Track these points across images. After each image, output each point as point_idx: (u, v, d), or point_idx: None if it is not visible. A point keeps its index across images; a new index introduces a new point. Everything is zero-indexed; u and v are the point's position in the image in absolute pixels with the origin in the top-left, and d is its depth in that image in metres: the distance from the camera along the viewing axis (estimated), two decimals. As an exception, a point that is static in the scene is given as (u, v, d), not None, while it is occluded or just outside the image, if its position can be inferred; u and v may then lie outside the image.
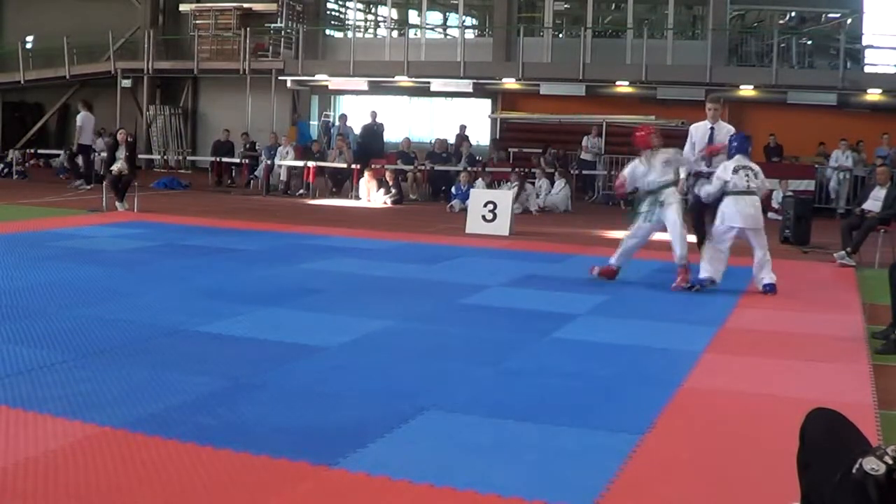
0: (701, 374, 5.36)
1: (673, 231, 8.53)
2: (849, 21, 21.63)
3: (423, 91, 21.78)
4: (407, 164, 18.64)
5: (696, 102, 19.99)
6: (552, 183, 17.26)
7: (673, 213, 8.53)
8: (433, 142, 20.03)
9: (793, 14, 23.01)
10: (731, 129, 9.19)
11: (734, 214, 8.30)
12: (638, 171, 8.75)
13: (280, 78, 22.62)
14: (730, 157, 8.59)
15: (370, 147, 19.37)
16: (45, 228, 11.29)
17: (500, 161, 19.68)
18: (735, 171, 8.38)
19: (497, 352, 5.76)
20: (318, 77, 22.71)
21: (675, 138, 19.89)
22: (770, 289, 8.32)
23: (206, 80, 25.19)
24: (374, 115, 20.15)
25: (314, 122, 24.11)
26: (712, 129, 9.23)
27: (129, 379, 4.78)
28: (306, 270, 8.86)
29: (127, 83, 24.36)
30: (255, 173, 19.86)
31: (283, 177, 19.15)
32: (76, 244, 9.97)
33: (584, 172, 19.14)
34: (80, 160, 18.51)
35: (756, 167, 8.57)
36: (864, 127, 18.67)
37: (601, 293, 8.01)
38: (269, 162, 19.17)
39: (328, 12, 25.19)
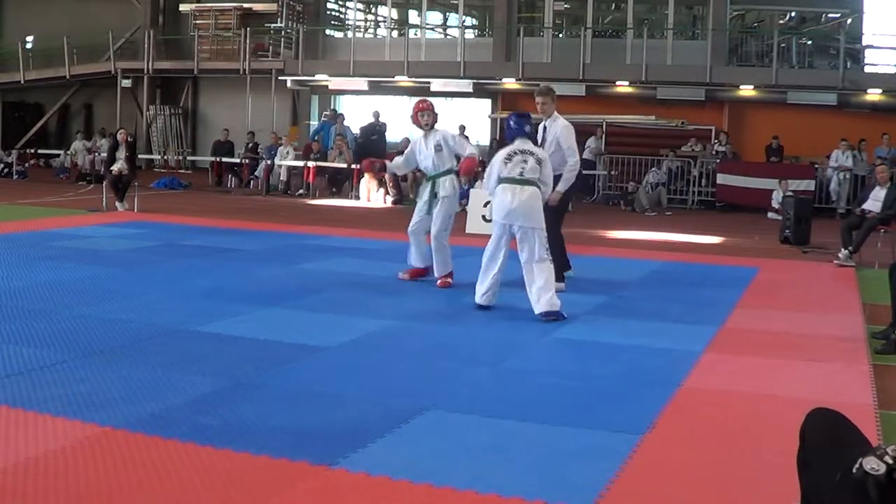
0: (701, 374, 5.35)
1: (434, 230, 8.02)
2: (849, 21, 21.63)
3: (423, 91, 21.71)
4: (407, 164, 18.60)
5: (696, 102, 20.09)
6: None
7: (442, 212, 8.01)
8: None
9: (793, 14, 23.01)
10: (563, 125, 8.08)
11: (499, 207, 6.88)
12: (416, 148, 8.29)
13: (280, 78, 22.63)
14: (509, 140, 7.23)
15: (372, 147, 19.31)
16: (45, 228, 11.29)
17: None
18: (509, 157, 6.91)
19: (497, 352, 5.76)
20: (318, 77, 22.72)
21: (675, 138, 20.13)
22: (549, 317, 6.69)
23: (206, 80, 25.20)
24: (376, 115, 20.07)
25: (314, 122, 24.10)
26: (545, 126, 8.16)
27: (129, 379, 4.78)
28: (306, 270, 8.85)
29: (127, 83, 24.37)
30: (255, 173, 19.87)
31: (283, 177, 19.16)
32: (76, 244, 9.97)
33: (585, 172, 19.11)
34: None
35: (541, 153, 7.07)
36: (864, 127, 18.67)
37: (601, 293, 8.01)
38: (269, 162, 19.18)
39: (328, 12, 25.19)
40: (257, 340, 5.80)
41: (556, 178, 8.01)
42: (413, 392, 4.77)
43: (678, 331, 6.54)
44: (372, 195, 17.29)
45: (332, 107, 23.84)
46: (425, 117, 8.24)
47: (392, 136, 20.92)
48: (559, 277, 8.11)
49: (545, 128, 8.18)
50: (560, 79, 20.52)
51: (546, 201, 7.45)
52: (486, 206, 12.52)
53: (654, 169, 18.42)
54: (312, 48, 23.47)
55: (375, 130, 19.91)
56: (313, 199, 17.64)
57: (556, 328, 6.48)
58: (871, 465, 2.31)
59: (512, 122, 7.20)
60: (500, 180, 6.87)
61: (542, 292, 6.73)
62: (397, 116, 22.58)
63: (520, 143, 7.01)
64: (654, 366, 5.53)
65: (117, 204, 13.97)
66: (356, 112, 22.05)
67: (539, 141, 8.19)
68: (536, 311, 6.70)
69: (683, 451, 4.03)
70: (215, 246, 10.36)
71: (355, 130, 20.07)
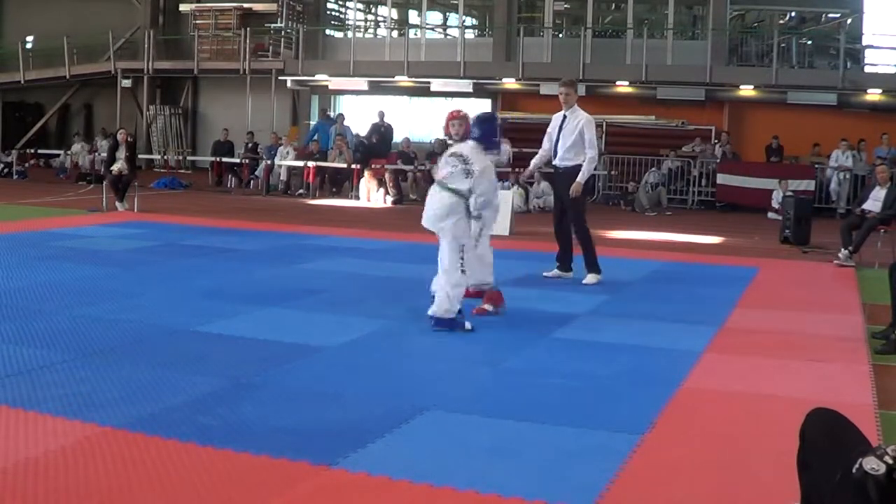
0: (701, 374, 5.35)
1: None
2: (849, 21, 21.63)
3: (423, 91, 21.77)
4: (407, 164, 18.65)
5: (696, 102, 20.08)
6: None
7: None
8: (433, 142, 20.02)
9: (793, 14, 23.01)
10: (586, 118, 8.34)
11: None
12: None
13: (280, 78, 22.62)
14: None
15: (376, 147, 19.31)
16: (45, 228, 11.29)
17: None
18: (447, 159, 6.59)
19: (497, 352, 5.76)
20: (318, 77, 22.71)
21: (676, 138, 20.11)
22: (433, 323, 6.32)
23: (206, 80, 25.20)
24: (381, 115, 20.02)
25: (314, 122, 24.13)
26: (565, 116, 8.45)
27: (129, 379, 4.78)
28: (306, 270, 8.85)
29: (127, 83, 24.37)
30: (255, 173, 19.87)
31: (283, 177, 19.16)
32: (76, 244, 9.97)
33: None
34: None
35: (472, 159, 6.49)
36: (864, 127, 18.67)
37: (601, 293, 8.01)
38: (269, 162, 19.18)
39: (328, 12, 25.18)
40: (257, 340, 5.80)
41: (573, 168, 8.41)
42: (413, 392, 4.77)
43: (678, 331, 6.54)
44: (372, 195, 17.28)
45: (331, 107, 23.86)
46: (455, 126, 7.32)
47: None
48: (596, 269, 8.51)
49: (564, 117, 8.44)
50: (560, 79, 20.53)
51: (570, 192, 8.25)
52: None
53: (653, 169, 18.42)
54: (312, 48, 23.47)
55: (380, 130, 19.94)
56: (313, 199, 17.64)
57: (556, 328, 6.48)
58: (871, 465, 2.31)
59: (474, 125, 6.81)
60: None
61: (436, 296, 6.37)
62: (397, 116, 22.65)
63: (465, 149, 6.60)
64: (654, 366, 5.53)
65: (117, 204, 13.97)
66: (356, 112, 22.05)
67: (556, 132, 8.46)
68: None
69: (683, 451, 4.03)
70: (215, 246, 10.36)
71: (356, 131, 20.10)
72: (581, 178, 8.36)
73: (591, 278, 8.49)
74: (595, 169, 19.62)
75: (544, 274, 8.59)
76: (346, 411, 4.41)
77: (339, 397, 4.65)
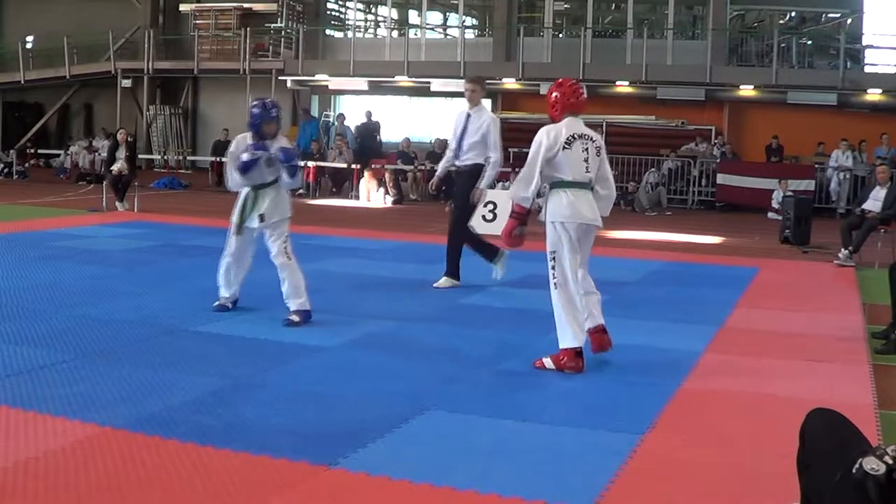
0: (701, 374, 5.35)
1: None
2: (849, 21, 21.63)
3: (423, 91, 21.77)
4: (407, 164, 18.66)
5: (696, 102, 20.09)
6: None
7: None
8: (433, 142, 20.04)
9: (793, 14, 23.02)
10: (491, 118, 7.88)
11: None
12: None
13: (280, 78, 22.62)
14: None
15: (367, 146, 19.40)
16: (45, 228, 11.29)
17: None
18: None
19: (497, 352, 5.76)
20: (318, 77, 22.72)
21: (676, 138, 20.11)
22: (297, 316, 6.29)
23: (206, 80, 25.19)
24: (368, 114, 20.20)
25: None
26: (469, 115, 7.88)
27: (129, 379, 4.78)
28: (306, 270, 8.80)
29: (127, 83, 24.37)
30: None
31: (283, 177, 19.16)
32: (76, 244, 9.97)
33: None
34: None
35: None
36: (864, 127, 18.67)
37: (601, 293, 7.98)
38: (269, 162, 19.18)
39: (328, 12, 25.19)
40: (257, 340, 5.80)
41: (477, 169, 7.84)
42: (413, 392, 4.77)
43: (678, 331, 6.54)
44: (372, 195, 17.28)
45: (331, 107, 23.88)
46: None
47: (392, 135, 20.97)
48: (454, 275, 8.03)
49: (468, 116, 7.89)
50: (556, 79, 20.50)
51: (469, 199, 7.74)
52: (485, 206, 12.55)
53: (652, 169, 18.41)
54: (312, 48, 23.47)
55: (370, 129, 20.04)
56: (313, 199, 17.64)
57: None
58: (871, 465, 2.32)
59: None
60: None
61: (289, 297, 6.36)
62: (397, 116, 22.65)
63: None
64: (654, 366, 5.53)
65: (117, 204, 13.97)
66: (356, 112, 22.06)
67: (460, 130, 7.92)
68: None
69: (683, 450, 4.03)
70: (215, 246, 10.27)
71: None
72: (483, 183, 7.78)
73: (444, 282, 7.99)
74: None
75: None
76: (346, 411, 4.41)
77: (339, 397, 4.65)
